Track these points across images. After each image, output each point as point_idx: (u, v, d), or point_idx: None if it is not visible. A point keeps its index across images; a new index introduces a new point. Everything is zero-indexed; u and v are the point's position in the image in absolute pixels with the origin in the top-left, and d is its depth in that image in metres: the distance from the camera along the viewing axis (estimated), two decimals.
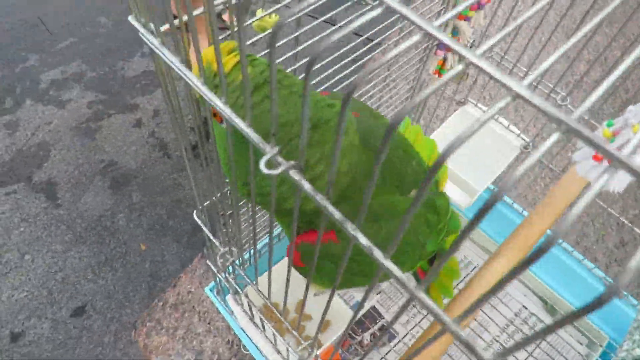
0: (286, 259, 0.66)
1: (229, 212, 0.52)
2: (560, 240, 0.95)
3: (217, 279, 0.61)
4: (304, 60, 0.47)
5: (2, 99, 1.62)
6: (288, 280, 0.38)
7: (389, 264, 0.23)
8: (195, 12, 0.29)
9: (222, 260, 0.47)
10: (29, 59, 1.75)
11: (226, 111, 0.26)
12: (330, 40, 0.18)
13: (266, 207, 0.45)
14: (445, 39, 0.19)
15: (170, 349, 0.74)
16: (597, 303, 0.14)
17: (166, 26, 0.29)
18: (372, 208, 0.44)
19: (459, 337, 0.21)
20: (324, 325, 0.60)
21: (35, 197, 1.40)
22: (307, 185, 0.24)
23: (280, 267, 0.66)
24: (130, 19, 0.29)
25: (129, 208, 1.39)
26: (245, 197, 0.44)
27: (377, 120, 0.51)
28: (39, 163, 1.47)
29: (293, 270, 0.41)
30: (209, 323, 0.77)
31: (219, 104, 0.26)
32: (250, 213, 0.57)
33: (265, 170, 0.24)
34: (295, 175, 0.24)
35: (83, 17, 1.91)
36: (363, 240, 0.22)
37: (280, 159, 0.24)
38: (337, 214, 0.23)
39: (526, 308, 0.93)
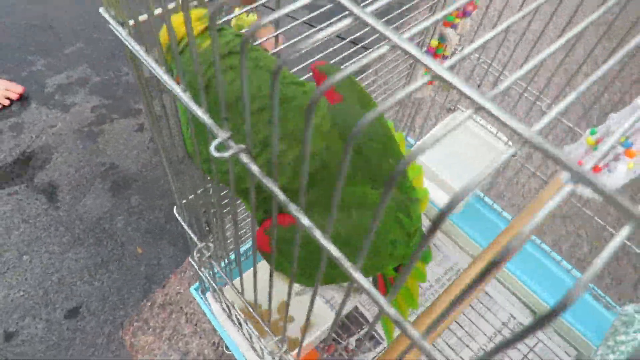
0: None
1: (212, 211, 0.53)
2: (550, 250, 0.95)
3: (200, 277, 0.62)
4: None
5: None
6: (271, 277, 0.38)
7: (336, 252, 0.23)
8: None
9: (198, 255, 0.48)
10: (36, 63, 1.78)
11: (183, 97, 0.27)
12: (306, 44, 0.19)
13: (228, 185, 0.45)
14: (412, 49, 0.19)
15: (156, 349, 0.75)
16: (566, 300, 0.15)
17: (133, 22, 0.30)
18: (341, 196, 0.44)
19: (428, 353, 0.20)
20: (302, 329, 0.60)
21: (36, 198, 1.42)
22: (254, 168, 0.25)
23: (263, 267, 0.66)
24: (101, 10, 0.31)
25: (127, 211, 1.41)
26: (207, 173, 0.44)
27: (364, 109, 0.50)
28: (41, 165, 1.49)
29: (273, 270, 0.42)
30: (195, 324, 0.77)
31: (177, 90, 0.27)
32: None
33: (214, 154, 0.25)
34: (244, 158, 0.25)
35: (91, 22, 1.95)
36: (305, 221, 0.23)
37: (231, 143, 0.25)
38: (281, 196, 0.24)
39: (515, 318, 0.93)
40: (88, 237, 1.35)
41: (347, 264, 0.22)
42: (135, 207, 1.42)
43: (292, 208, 0.23)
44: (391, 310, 0.21)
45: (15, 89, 1.64)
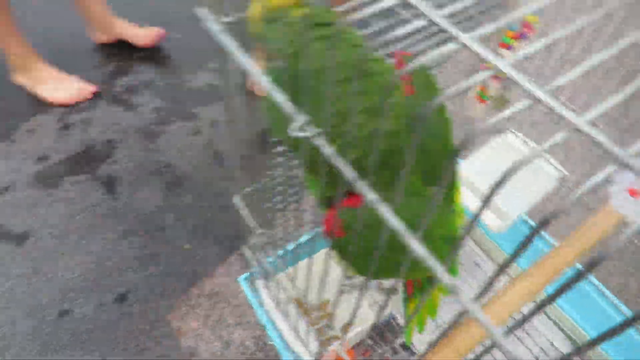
0: (321, 253, 0.69)
1: (273, 199, 0.57)
2: (598, 283, 0.93)
3: (252, 266, 0.65)
4: None
5: None
6: (324, 270, 0.40)
7: (399, 225, 0.26)
8: None
9: (254, 242, 0.52)
10: (109, 65, 1.92)
11: (267, 86, 0.31)
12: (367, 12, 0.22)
13: (302, 162, 0.43)
14: (479, 48, 0.22)
15: (201, 335, 0.79)
16: (614, 331, 0.15)
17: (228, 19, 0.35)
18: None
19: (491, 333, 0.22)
20: (344, 326, 0.63)
21: (97, 188, 1.52)
22: (328, 150, 0.28)
23: (313, 261, 0.69)
24: (197, 9, 0.36)
25: (178, 208, 1.48)
26: (293, 150, 0.44)
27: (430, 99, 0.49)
28: (103, 158, 1.60)
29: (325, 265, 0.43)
30: (239, 316, 0.81)
31: (263, 79, 0.31)
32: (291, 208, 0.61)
33: (293, 134, 0.28)
34: (318, 140, 0.28)
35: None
36: (371, 196, 0.26)
37: (307, 127, 0.29)
38: (349, 173, 0.27)
39: (553, 345, 0.91)
40: (140, 229, 1.43)
41: (409, 235, 0.25)
42: (186, 205, 1.49)
43: (360, 184, 0.26)
44: (449, 278, 0.23)
45: (89, 88, 1.78)
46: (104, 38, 1.97)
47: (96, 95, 1.80)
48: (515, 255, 0.21)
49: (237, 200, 0.55)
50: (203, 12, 0.36)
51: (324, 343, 0.54)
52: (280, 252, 0.57)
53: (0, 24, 1.55)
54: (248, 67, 0.33)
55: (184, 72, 1.94)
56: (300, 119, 0.29)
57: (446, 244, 0.52)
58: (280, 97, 0.31)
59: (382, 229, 0.34)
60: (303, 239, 0.65)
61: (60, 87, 1.74)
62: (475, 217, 0.21)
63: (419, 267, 0.51)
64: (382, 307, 0.35)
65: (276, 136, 0.39)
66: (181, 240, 1.41)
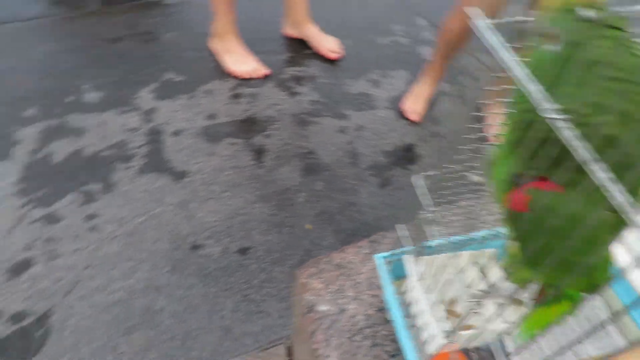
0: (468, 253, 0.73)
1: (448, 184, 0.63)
2: None
3: (404, 245, 0.72)
4: None
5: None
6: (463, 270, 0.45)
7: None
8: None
9: (424, 217, 0.58)
10: (285, 54, 2.16)
11: (521, 77, 0.38)
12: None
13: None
14: None
15: (322, 296, 0.88)
16: None
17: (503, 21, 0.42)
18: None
19: None
20: (466, 327, 0.66)
21: (248, 154, 1.71)
22: (570, 134, 0.34)
23: (459, 257, 0.73)
24: (466, 9, 0.44)
25: (310, 191, 1.61)
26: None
27: None
28: (260, 130, 1.80)
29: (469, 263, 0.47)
30: (358, 292, 0.88)
31: (517, 71, 0.38)
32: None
33: (545, 114, 0.34)
34: (561, 124, 0.34)
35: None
36: (618, 194, 0.31)
37: (556, 114, 0.35)
38: (588, 156, 0.32)
39: None
40: (274, 199, 1.58)
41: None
42: (318, 191, 1.62)
43: (599, 170, 0.32)
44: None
45: (263, 70, 2.01)
46: (292, 33, 2.21)
47: (267, 77, 2.02)
48: None
49: (416, 179, 0.62)
50: (473, 11, 0.44)
51: (448, 336, 0.59)
52: (441, 239, 0.62)
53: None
54: (508, 60, 0.40)
55: (346, 77, 2.09)
56: (549, 104, 0.35)
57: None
58: (532, 87, 0.37)
59: (583, 221, 0.39)
60: (473, 235, 0.68)
61: (242, 61, 1.99)
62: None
63: (595, 272, 0.53)
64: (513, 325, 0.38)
65: (515, 112, 0.44)
66: (305, 219, 1.53)
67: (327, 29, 2.21)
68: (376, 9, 2.58)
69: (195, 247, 1.42)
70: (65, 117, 1.75)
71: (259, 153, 1.72)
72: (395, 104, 1.98)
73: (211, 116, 1.83)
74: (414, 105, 1.90)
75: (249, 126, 1.81)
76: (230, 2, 1.87)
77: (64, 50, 2.07)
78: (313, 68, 2.11)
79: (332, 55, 2.13)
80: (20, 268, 1.33)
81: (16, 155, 1.60)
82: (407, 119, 1.91)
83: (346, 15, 2.47)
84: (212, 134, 1.76)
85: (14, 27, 2.18)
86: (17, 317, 1.23)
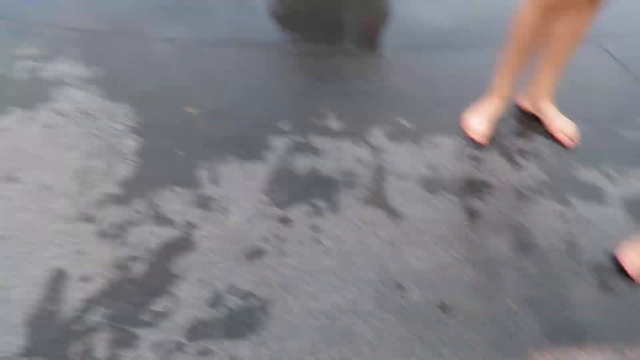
0: None
1: None
2: None
3: None
4: None
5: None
6: None
7: None
8: None
9: None
10: (513, 123, 2.15)
11: None
12: None
13: None
14: None
15: None
16: None
17: None
18: None
19: None
20: None
21: (462, 213, 1.75)
22: None
23: None
24: None
25: (519, 270, 1.58)
26: None
27: None
28: (477, 193, 1.83)
29: None
30: None
31: None
32: None
33: None
34: None
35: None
36: None
37: None
38: None
39: None
40: (481, 266, 1.58)
41: None
42: (527, 271, 1.57)
43: None
44: None
45: (485, 138, 2.03)
46: (527, 106, 2.19)
47: (492, 143, 2.04)
48: None
49: None
50: None
51: None
52: None
53: (514, 57, 1.92)
54: None
55: (575, 161, 2.00)
56: None
57: None
58: None
59: None
60: None
61: (481, 123, 2.04)
62: None
63: None
64: None
65: None
66: (509, 296, 1.50)
67: (566, 110, 2.14)
68: (625, 98, 2.41)
69: (400, 286, 1.50)
70: (309, 136, 2.01)
71: (472, 215, 1.74)
72: (630, 207, 1.82)
73: (433, 167, 1.92)
74: None
75: (467, 186, 1.85)
76: (515, 67, 1.94)
77: (315, 79, 2.38)
78: (541, 145, 2.07)
79: (565, 140, 2.06)
80: (254, 254, 1.56)
81: (267, 158, 1.90)
82: None
83: (590, 100, 2.36)
84: (431, 185, 1.85)
85: (278, 53, 2.58)
86: (247, 296, 1.45)
